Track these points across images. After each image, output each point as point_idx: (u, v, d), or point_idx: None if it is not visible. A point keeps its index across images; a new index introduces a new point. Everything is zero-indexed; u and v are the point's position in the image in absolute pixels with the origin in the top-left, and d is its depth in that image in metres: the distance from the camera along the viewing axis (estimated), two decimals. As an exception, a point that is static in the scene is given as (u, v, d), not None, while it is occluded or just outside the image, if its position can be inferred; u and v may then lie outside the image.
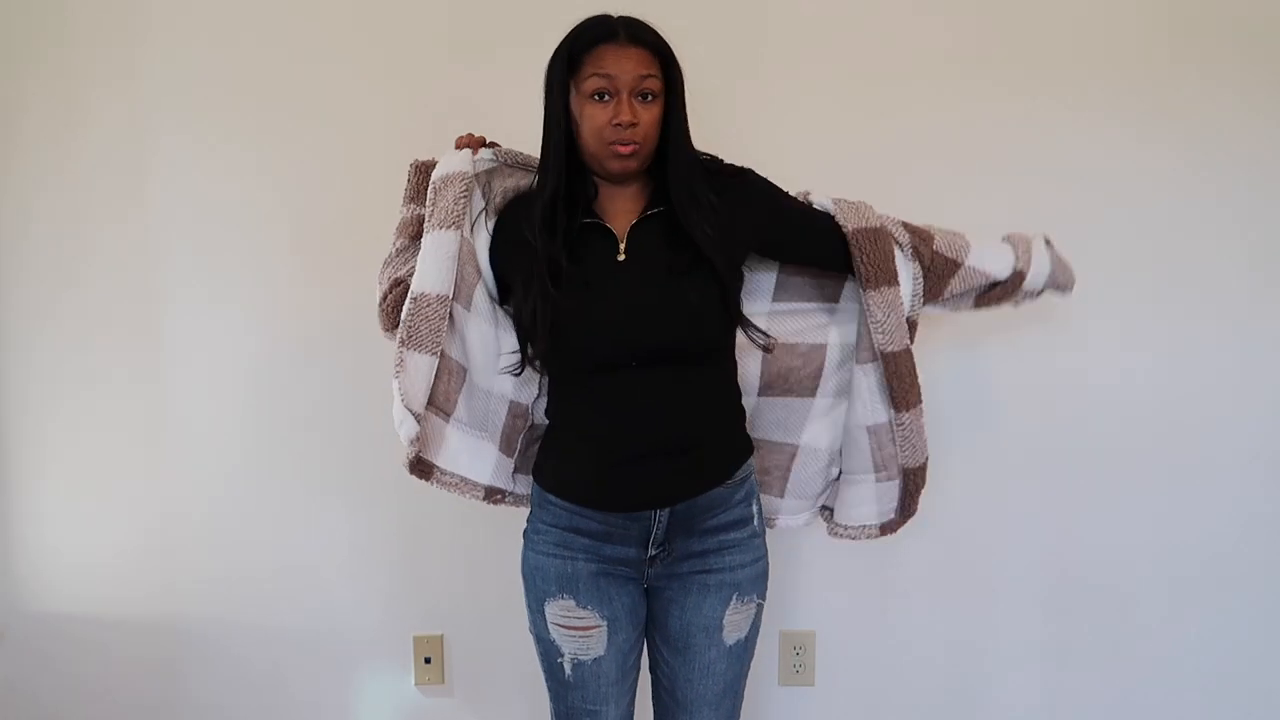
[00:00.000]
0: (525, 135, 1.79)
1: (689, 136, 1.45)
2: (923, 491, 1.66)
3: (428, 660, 2.12)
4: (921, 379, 2.03)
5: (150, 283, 2.03)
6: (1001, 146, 2.00)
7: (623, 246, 1.42)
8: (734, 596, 1.49)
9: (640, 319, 1.39)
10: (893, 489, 1.61)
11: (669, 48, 1.42)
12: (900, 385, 1.53)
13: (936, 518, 2.09)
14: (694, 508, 1.45)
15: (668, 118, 1.42)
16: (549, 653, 1.50)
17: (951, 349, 2.05)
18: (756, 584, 1.53)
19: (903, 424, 1.54)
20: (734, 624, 1.51)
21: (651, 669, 1.59)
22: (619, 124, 1.36)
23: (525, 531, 1.54)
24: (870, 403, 1.56)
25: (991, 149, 2.00)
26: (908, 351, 1.53)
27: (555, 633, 1.48)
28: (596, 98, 1.37)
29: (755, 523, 1.53)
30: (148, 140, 1.99)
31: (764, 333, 1.50)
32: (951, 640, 2.13)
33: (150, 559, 2.09)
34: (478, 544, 2.06)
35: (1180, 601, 2.11)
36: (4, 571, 2.09)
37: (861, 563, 2.11)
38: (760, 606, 1.55)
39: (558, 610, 1.47)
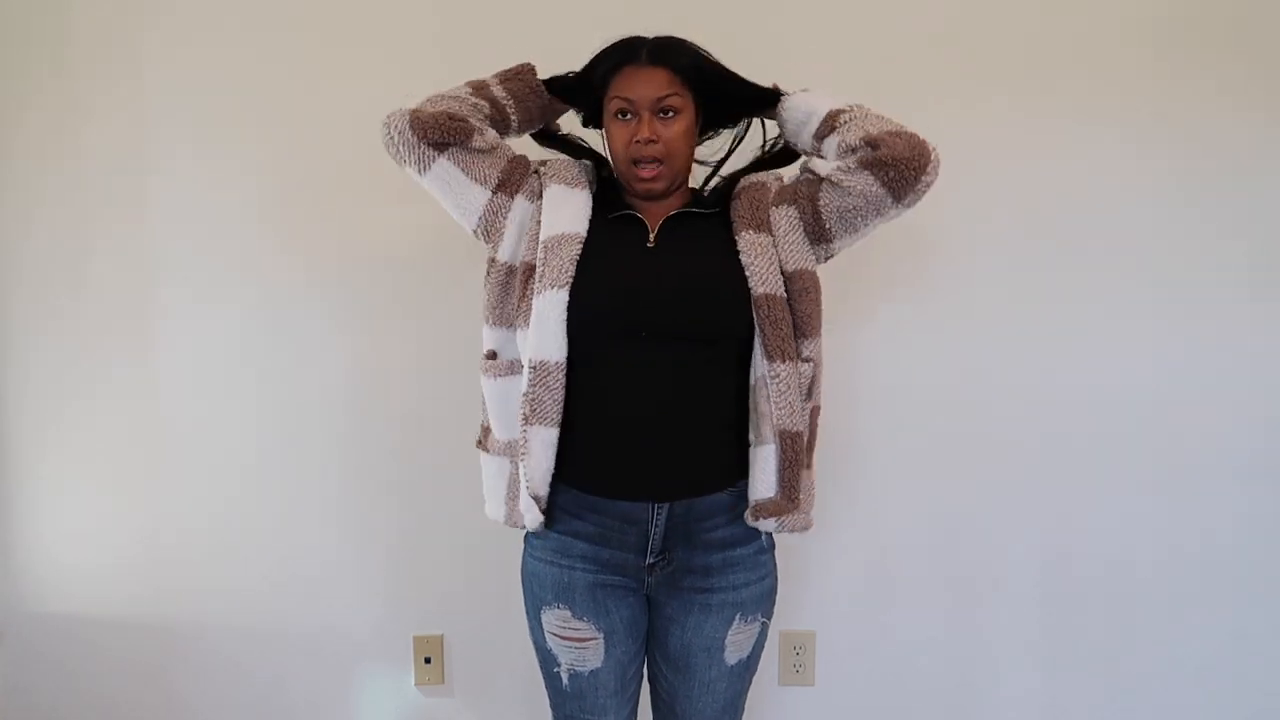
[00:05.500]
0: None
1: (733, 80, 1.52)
2: (806, 476, 1.47)
3: (428, 660, 2.12)
4: (920, 379, 2.06)
5: (150, 286, 2.02)
6: (999, 149, 1.99)
7: (653, 235, 1.47)
8: (736, 616, 1.47)
9: (662, 290, 1.40)
10: (769, 456, 1.43)
11: (697, 66, 1.45)
12: (775, 332, 1.40)
13: (937, 518, 2.10)
14: (691, 513, 1.43)
15: (713, 85, 1.48)
16: (547, 661, 1.50)
17: (951, 349, 2.05)
18: (761, 603, 1.50)
19: (777, 376, 1.41)
20: (736, 644, 1.49)
21: (650, 681, 1.58)
22: (639, 140, 1.42)
23: (525, 535, 1.53)
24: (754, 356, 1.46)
25: (989, 151, 1.99)
26: (779, 298, 1.42)
27: (552, 642, 1.47)
28: (619, 116, 1.45)
29: (763, 539, 1.49)
30: (149, 144, 1.99)
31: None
32: (951, 640, 2.13)
33: (150, 559, 2.09)
34: (478, 544, 2.06)
35: (1180, 603, 2.11)
36: (3, 572, 2.09)
37: (861, 563, 2.11)
38: (765, 625, 1.52)
39: (554, 619, 1.45)
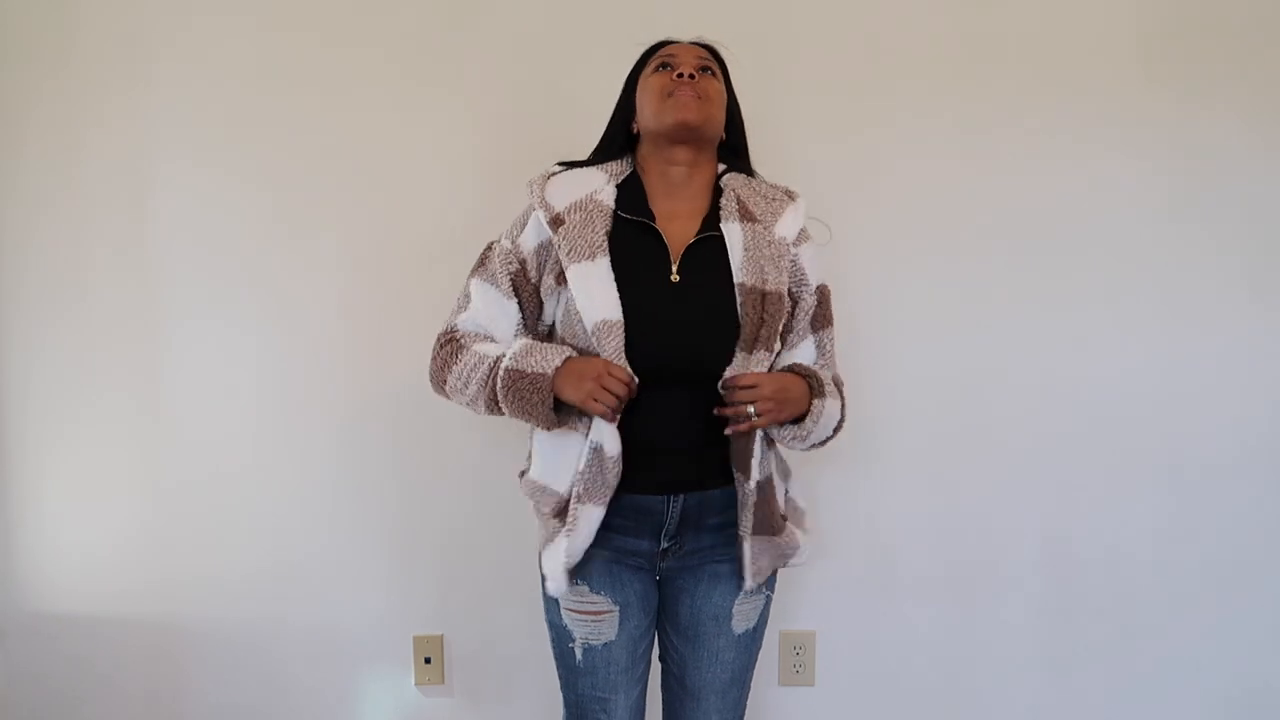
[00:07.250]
0: (530, 142, 1.77)
1: (745, 136, 1.58)
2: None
3: (428, 660, 2.12)
4: (921, 379, 2.07)
5: (151, 284, 2.03)
6: (998, 150, 2.02)
7: (675, 267, 1.43)
8: (743, 586, 1.52)
9: (684, 345, 1.41)
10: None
11: (727, 73, 1.53)
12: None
13: (937, 518, 2.10)
14: (705, 505, 1.47)
15: (730, 114, 1.53)
16: (561, 638, 1.52)
17: (950, 350, 2.05)
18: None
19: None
20: (743, 614, 1.53)
21: (661, 658, 1.61)
22: (680, 75, 1.43)
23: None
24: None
25: (988, 152, 2.02)
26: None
27: (568, 617, 1.50)
28: (659, 69, 1.47)
29: None
30: (153, 148, 2.00)
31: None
32: (951, 640, 2.13)
33: (151, 559, 2.08)
34: (478, 544, 2.06)
35: (1180, 602, 2.11)
36: (4, 571, 2.09)
37: (861, 563, 2.11)
38: (769, 599, 1.58)
39: (571, 595, 1.48)
